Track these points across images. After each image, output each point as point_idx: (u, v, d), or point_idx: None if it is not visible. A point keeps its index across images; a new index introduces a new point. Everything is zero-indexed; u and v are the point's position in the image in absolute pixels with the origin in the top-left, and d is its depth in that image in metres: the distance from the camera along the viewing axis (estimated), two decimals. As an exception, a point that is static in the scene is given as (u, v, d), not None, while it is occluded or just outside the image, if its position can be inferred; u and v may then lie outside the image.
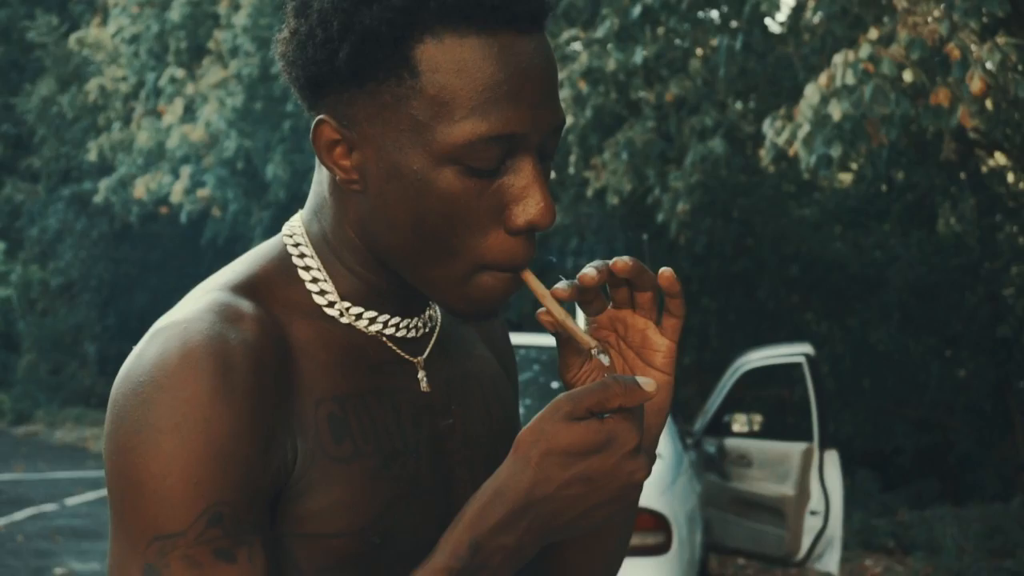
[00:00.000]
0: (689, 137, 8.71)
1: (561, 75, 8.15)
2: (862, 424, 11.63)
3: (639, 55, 7.58)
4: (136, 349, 0.99)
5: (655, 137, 8.78)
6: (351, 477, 1.01)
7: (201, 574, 0.92)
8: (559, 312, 1.02)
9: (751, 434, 7.38)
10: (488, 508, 0.96)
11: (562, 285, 1.02)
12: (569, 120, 8.33)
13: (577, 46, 8.48)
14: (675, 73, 8.79)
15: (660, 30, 8.36)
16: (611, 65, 7.73)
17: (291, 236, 1.09)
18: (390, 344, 1.09)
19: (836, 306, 12.67)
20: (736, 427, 7.31)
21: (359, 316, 1.07)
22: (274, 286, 1.05)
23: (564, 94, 8.19)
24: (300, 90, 1.02)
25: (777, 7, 7.08)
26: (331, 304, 1.06)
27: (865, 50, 5.57)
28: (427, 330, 1.13)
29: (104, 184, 13.91)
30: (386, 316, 1.08)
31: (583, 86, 8.17)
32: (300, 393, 1.01)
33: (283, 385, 1.00)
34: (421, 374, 1.10)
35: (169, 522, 0.92)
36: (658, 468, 4.61)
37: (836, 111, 5.60)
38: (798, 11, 8.18)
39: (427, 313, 1.14)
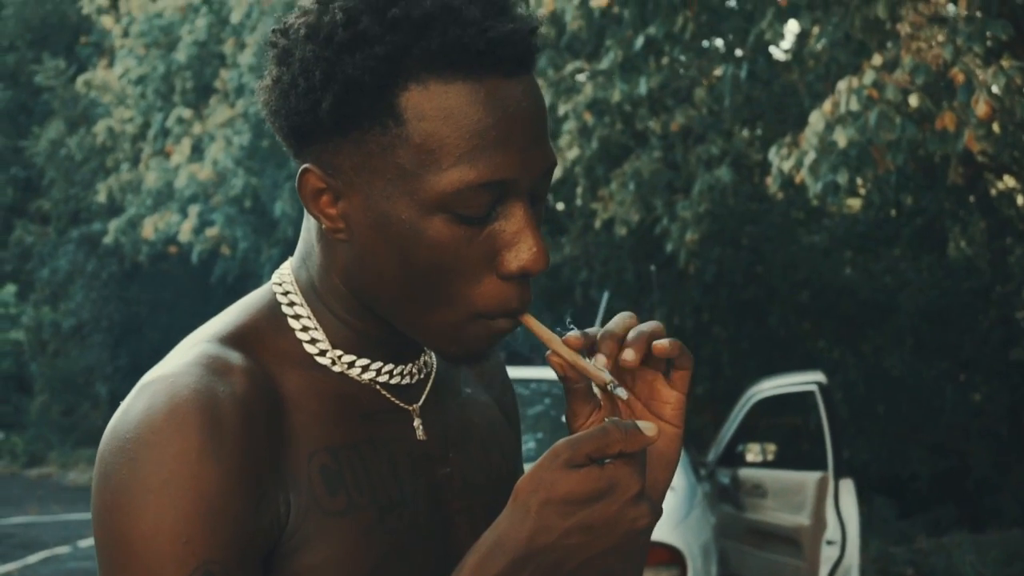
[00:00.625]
0: (696, 166, 8.70)
1: (566, 107, 8.16)
2: (877, 451, 11.54)
3: (644, 86, 7.58)
4: (123, 404, 0.97)
5: (662, 167, 8.78)
6: (346, 531, 0.99)
7: None
8: (568, 353, 0.99)
9: (765, 464, 7.30)
10: (488, 559, 0.93)
11: (573, 335, 1.00)
12: (575, 152, 8.32)
13: (581, 77, 8.48)
14: (680, 103, 8.79)
15: (664, 60, 8.37)
16: (616, 96, 7.72)
17: (280, 284, 1.07)
18: (384, 392, 1.07)
19: (848, 332, 12.62)
20: (750, 457, 7.24)
21: (351, 364, 1.05)
22: (264, 336, 1.03)
23: (569, 126, 8.19)
24: (284, 139, 1.00)
25: (781, 35, 7.08)
26: (322, 353, 1.04)
27: (869, 76, 5.56)
28: (422, 376, 1.11)
29: (113, 225, 13.95)
30: (379, 364, 1.06)
31: (588, 118, 8.17)
32: (292, 445, 0.99)
33: (274, 438, 0.98)
34: (417, 422, 1.08)
35: None
36: (671, 500, 4.57)
37: (841, 137, 5.59)
38: (802, 39, 8.18)
39: (421, 359, 1.11)
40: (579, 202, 9.34)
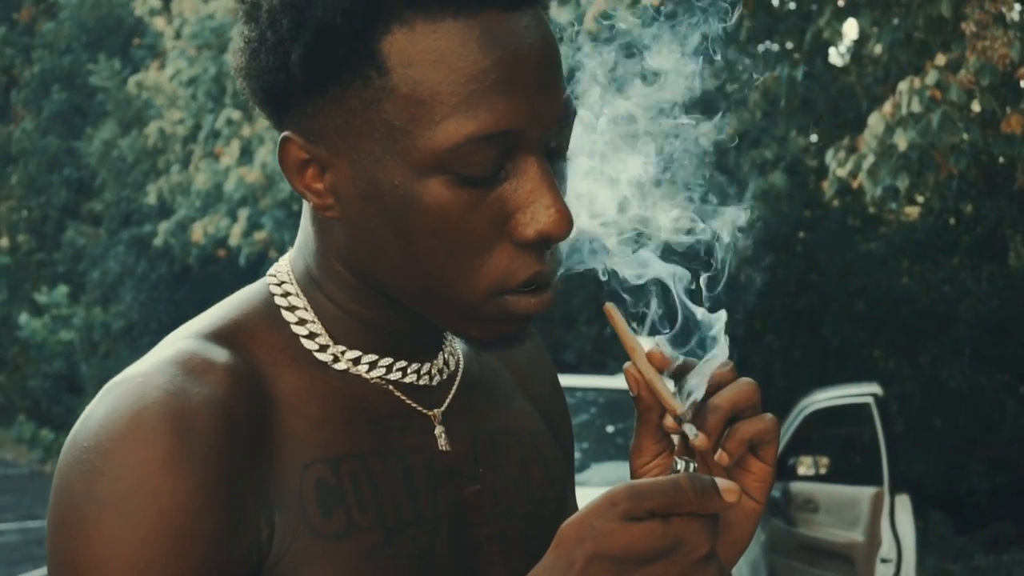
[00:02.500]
0: (749, 171, 8.52)
1: (617, 110, 8.00)
2: (934, 465, 11.27)
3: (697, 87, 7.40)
4: (87, 409, 0.83)
5: (714, 171, 8.60)
6: (342, 556, 0.84)
7: None
8: (648, 370, 0.85)
9: (818, 477, 7.11)
10: None
11: (659, 352, 0.86)
12: (626, 155, 8.16)
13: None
14: (735, 105, 8.62)
15: (719, 63, 8.18)
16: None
17: (275, 275, 0.94)
18: (398, 394, 0.93)
19: (905, 343, 12.34)
20: (802, 470, 7.05)
21: (356, 361, 0.92)
22: (257, 332, 0.90)
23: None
24: (261, 106, 0.89)
25: (840, 35, 6.88)
26: (323, 348, 0.91)
27: (932, 76, 5.36)
28: (445, 377, 0.97)
29: (163, 227, 13.98)
30: (389, 360, 0.93)
31: (640, 120, 8.01)
32: (283, 456, 0.85)
33: (260, 447, 0.84)
34: (439, 430, 0.94)
35: None
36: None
37: (902, 140, 5.39)
38: (861, 41, 7.97)
39: (444, 355, 0.98)
40: (629, 206, 9.18)
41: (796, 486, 6.71)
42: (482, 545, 0.94)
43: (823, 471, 7.31)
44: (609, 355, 10.64)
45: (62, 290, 18.81)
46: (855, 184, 6.08)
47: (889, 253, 12.57)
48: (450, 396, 0.96)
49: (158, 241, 14.34)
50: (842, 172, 6.07)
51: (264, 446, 0.84)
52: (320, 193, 0.86)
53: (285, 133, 0.86)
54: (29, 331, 18.67)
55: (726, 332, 0.89)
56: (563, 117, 0.85)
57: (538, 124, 0.82)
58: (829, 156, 6.32)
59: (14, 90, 19.49)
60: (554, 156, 0.86)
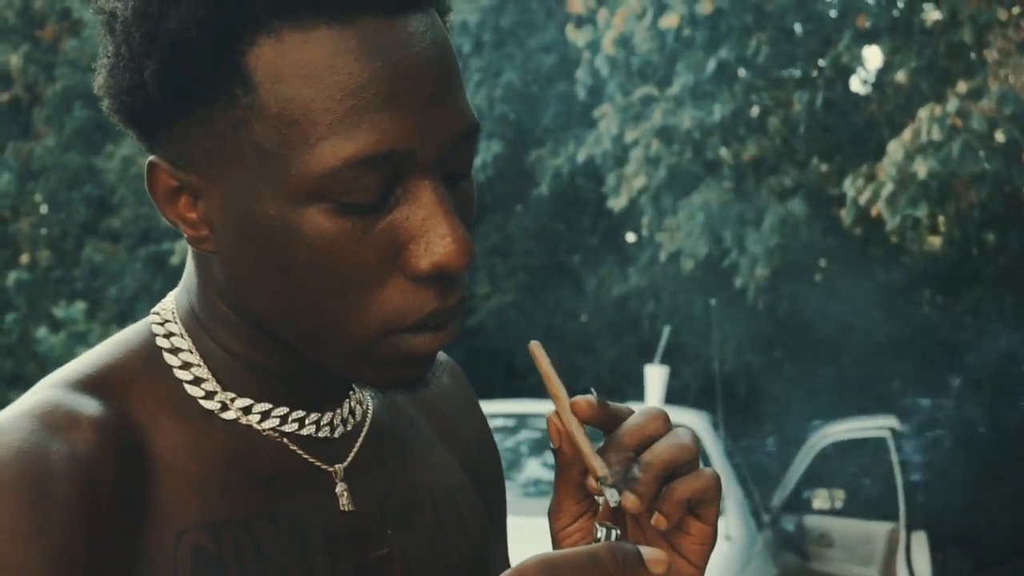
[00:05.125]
0: (768, 198, 8.42)
1: (634, 134, 7.91)
2: (953, 498, 11.09)
3: (716, 112, 7.32)
4: None
5: (732, 198, 8.50)
6: None
7: None
8: (571, 421, 0.74)
9: (833, 512, 6.98)
10: None
11: (585, 399, 0.74)
12: (642, 180, 8.07)
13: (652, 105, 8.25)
14: (753, 132, 8.52)
15: (737, 88, 8.11)
16: (686, 123, 7.47)
17: (158, 314, 0.83)
18: (294, 447, 0.81)
19: (925, 375, 12.19)
20: (817, 504, 6.93)
21: (248, 410, 0.80)
22: (135, 378, 0.79)
23: (637, 153, 7.94)
24: (125, 127, 0.77)
25: (860, 62, 6.78)
26: (209, 395, 0.80)
27: (953, 104, 5.25)
28: (350, 429, 0.85)
29: (179, 245, 14.02)
30: (284, 409, 0.82)
31: (656, 146, 7.93)
32: (157, 522, 0.74)
33: (129, 513, 0.73)
34: (340, 487, 0.82)
35: None
36: (727, 551, 4.28)
37: (922, 168, 5.29)
38: (883, 69, 7.87)
39: (350, 404, 0.86)
40: (645, 232, 9.10)
41: (811, 520, 6.58)
42: None
43: (839, 505, 7.18)
44: (628, 381, 10.53)
45: (80, 306, 18.83)
46: (874, 212, 5.97)
47: (911, 283, 12.45)
48: (355, 449, 0.85)
49: (175, 259, 14.37)
50: (861, 200, 5.97)
51: (134, 512, 0.73)
52: (194, 224, 0.76)
53: (151, 158, 0.76)
54: (47, 346, 18.68)
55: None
56: (461, 133, 0.74)
57: (430, 143, 0.72)
58: (848, 183, 6.21)
59: (37, 107, 19.59)
60: (456, 176, 0.75)
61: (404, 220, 0.72)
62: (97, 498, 0.71)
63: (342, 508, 0.82)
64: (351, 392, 0.87)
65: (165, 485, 0.75)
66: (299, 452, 0.81)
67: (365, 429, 0.87)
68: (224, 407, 0.80)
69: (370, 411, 0.88)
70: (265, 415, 0.81)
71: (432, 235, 0.72)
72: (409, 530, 0.85)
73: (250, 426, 0.80)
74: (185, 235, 0.76)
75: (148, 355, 0.80)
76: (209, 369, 0.81)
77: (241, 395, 0.81)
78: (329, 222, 0.71)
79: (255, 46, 0.70)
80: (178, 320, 0.82)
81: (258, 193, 0.72)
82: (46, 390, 0.76)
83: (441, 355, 0.97)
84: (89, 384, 0.76)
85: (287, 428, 0.82)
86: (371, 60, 0.70)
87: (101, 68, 0.77)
